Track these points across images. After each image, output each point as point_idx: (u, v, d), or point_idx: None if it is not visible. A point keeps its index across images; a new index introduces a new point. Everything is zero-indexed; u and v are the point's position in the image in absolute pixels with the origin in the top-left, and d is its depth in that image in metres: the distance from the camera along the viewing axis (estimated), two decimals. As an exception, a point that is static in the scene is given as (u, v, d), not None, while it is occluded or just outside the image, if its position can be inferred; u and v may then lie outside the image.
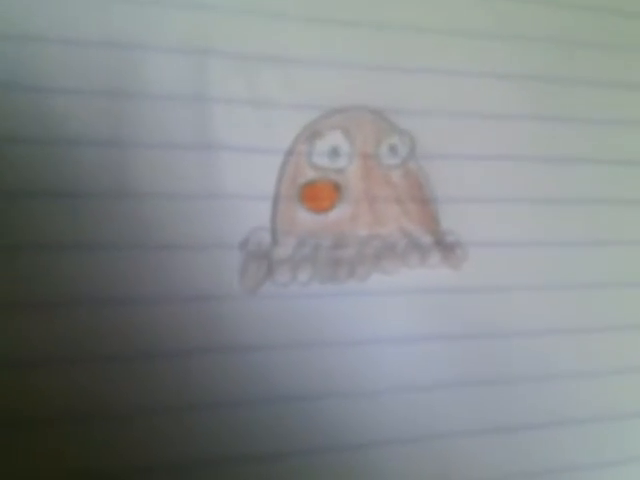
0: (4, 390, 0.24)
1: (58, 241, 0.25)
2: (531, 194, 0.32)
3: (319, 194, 0.29)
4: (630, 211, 0.33)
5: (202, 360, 0.26)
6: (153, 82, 0.27)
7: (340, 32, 0.30)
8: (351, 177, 0.29)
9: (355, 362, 0.28)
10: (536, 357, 0.30)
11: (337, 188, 0.29)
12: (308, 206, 0.29)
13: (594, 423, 0.31)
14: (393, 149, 0.30)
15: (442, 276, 0.30)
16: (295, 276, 0.28)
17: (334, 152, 0.29)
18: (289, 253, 0.28)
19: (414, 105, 0.30)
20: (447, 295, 0.30)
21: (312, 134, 0.29)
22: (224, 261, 0.27)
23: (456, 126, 0.31)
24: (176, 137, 0.27)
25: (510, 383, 0.30)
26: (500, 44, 0.32)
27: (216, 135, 0.28)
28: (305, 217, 0.29)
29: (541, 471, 0.30)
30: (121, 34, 0.27)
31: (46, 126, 0.26)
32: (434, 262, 0.30)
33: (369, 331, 0.29)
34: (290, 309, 0.28)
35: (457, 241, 0.30)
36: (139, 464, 0.25)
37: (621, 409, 0.32)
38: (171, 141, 0.27)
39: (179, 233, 0.27)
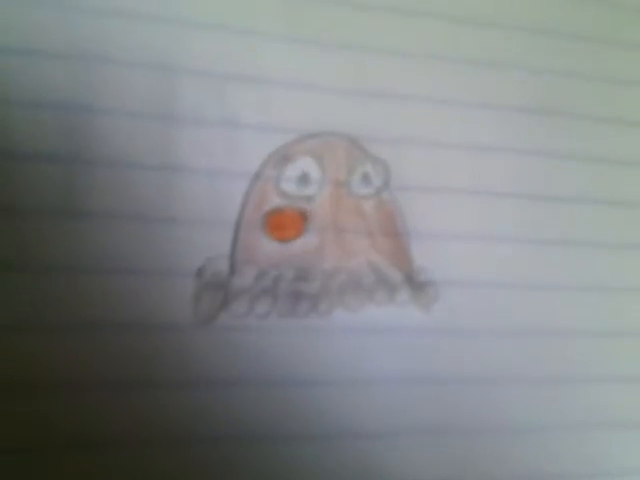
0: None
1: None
2: (512, 232, 0.30)
3: (284, 222, 0.27)
4: (617, 255, 0.31)
5: (149, 391, 0.25)
6: (116, 98, 0.26)
7: (317, 54, 0.28)
8: (320, 206, 0.28)
9: (311, 403, 0.27)
10: (505, 407, 0.29)
11: (304, 217, 0.28)
12: (272, 235, 0.27)
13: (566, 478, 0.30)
14: (366, 178, 0.29)
15: (410, 315, 0.28)
16: (252, 308, 0.26)
17: (304, 178, 0.28)
18: (248, 283, 0.27)
19: (391, 133, 0.29)
20: (415, 336, 0.28)
21: (281, 158, 0.28)
22: (179, 288, 0.26)
23: (434, 157, 0.29)
24: (136, 156, 0.26)
25: (474, 433, 0.28)
26: (484, 72, 0.31)
27: (180, 156, 0.26)
28: (268, 246, 0.27)
29: None
30: (85, 46, 0.26)
31: None
32: (403, 300, 0.28)
33: (329, 370, 0.27)
34: (246, 342, 0.26)
35: (429, 279, 0.29)
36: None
37: (593, 465, 0.30)
38: (130, 160, 0.26)
39: (133, 257, 0.25)
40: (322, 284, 0.27)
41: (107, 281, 0.25)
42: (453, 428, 0.28)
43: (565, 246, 0.31)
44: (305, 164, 0.28)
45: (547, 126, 0.31)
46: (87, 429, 0.24)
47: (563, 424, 0.30)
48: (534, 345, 0.29)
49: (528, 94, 0.31)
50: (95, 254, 0.25)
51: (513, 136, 0.31)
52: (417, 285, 0.28)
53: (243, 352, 0.26)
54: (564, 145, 0.31)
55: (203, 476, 0.25)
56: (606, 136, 0.32)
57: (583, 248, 0.31)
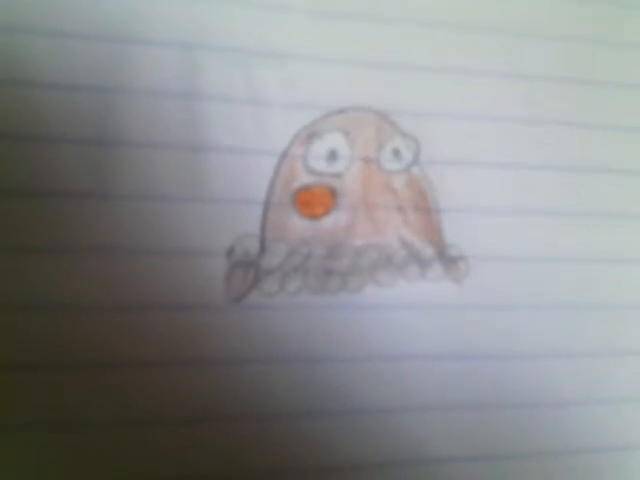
0: None
1: (31, 243, 0.24)
2: (544, 206, 0.29)
3: (313, 200, 0.27)
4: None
5: (181, 370, 0.25)
6: (142, 77, 0.26)
7: (344, 27, 0.28)
8: (349, 182, 0.28)
9: (343, 379, 0.27)
10: (537, 381, 0.28)
11: (333, 194, 0.27)
12: (301, 212, 0.27)
13: (603, 452, 0.29)
14: (396, 153, 0.28)
15: (442, 291, 0.28)
16: (283, 286, 0.27)
17: (332, 155, 0.28)
18: (278, 262, 0.27)
19: (421, 107, 0.28)
20: (447, 311, 0.28)
21: (310, 135, 0.27)
22: (209, 268, 0.26)
23: (465, 130, 0.29)
24: (163, 136, 0.26)
25: (508, 408, 0.28)
26: (515, 42, 0.30)
27: (207, 134, 0.26)
28: (297, 224, 0.27)
29: None
30: (110, 26, 0.26)
31: (24, 122, 0.25)
32: (435, 276, 0.28)
33: (361, 346, 0.27)
34: (277, 320, 0.26)
35: (461, 254, 0.28)
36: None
37: (629, 438, 0.30)
38: (158, 140, 0.26)
39: (163, 238, 0.26)
40: (353, 261, 0.27)
41: (137, 262, 0.25)
42: (485, 403, 0.28)
43: (597, 218, 0.30)
44: (333, 141, 0.28)
45: (578, 96, 0.30)
46: (125, 406, 0.25)
47: (600, 398, 0.29)
48: (567, 318, 0.29)
49: (558, 64, 0.30)
50: (125, 236, 0.25)
51: (543, 107, 0.30)
52: (448, 260, 0.28)
53: (274, 329, 0.26)
54: (596, 115, 0.31)
55: (227, 453, 0.26)
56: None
57: (615, 220, 0.30)
